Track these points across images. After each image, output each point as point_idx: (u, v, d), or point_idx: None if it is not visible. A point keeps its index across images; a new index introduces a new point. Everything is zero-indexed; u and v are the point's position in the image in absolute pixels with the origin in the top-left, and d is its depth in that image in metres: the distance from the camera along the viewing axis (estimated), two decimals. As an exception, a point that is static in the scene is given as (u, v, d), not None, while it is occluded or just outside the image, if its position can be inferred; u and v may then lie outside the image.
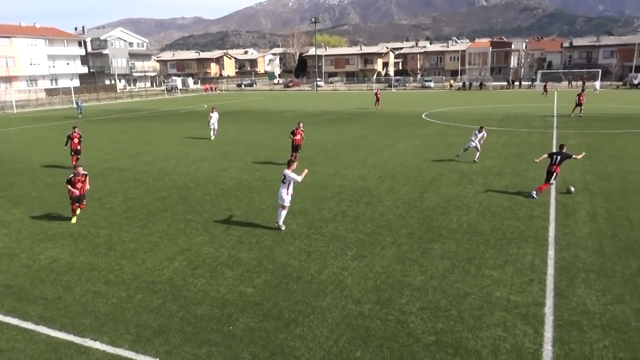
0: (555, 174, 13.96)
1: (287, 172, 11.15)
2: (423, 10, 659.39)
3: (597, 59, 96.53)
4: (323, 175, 17.45)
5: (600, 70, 76.74)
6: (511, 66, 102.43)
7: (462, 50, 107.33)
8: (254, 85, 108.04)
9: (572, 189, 14.35)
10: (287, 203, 11.37)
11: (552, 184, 14.23)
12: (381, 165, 18.92)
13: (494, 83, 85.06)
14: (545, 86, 61.03)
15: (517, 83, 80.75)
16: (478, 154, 19.02)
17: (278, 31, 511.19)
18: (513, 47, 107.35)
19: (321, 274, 9.18)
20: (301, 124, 19.63)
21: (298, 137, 19.13)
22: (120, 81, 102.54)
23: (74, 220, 12.59)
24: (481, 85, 79.62)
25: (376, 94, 47.16)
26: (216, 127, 27.62)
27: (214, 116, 27.46)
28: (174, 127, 34.27)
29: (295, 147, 19.14)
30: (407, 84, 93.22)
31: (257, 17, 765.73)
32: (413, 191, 14.93)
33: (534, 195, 13.80)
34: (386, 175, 17.16)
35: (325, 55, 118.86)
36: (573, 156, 13.99)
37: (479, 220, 12.06)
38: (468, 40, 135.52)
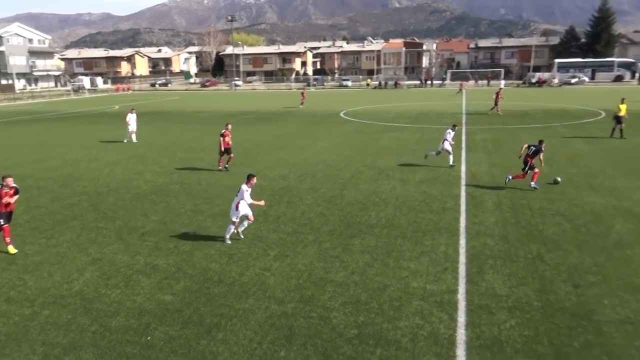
0: (529, 163, 14.63)
1: (243, 187, 10.48)
2: (339, 10, 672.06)
3: (500, 59, 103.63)
4: (243, 176, 17.24)
5: (502, 70, 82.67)
6: (423, 66, 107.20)
7: (377, 50, 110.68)
8: (169, 84, 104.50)
9: (559, 179, 15.21)
10: (235, 218, 10.53)
11: (536, 170, 14.68)
12: (301, 164, 19.07)
13: (408, 82, 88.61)
14: (460, 85, 64.53)
15: (429, 82, 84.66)
16: (451, 157, 17.89)
17: (193, 29, 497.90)
18: (425, 47, 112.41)
19: (243, 276, 9.09)
20: (229, 126, 19.13)
21: (227, 139, 18.64)
22: (19, 81, 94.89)
23: (12, 250, 10.50)
24: (396, 84, 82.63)
25: (302, 93, 48.46)
26: (135, 130, 26.38)
27: (133, 117, 26.23)
28: (82, 130, 32.30)
29: (226, 150, 18.60)
30: (325, 83, 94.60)
31: (171, 15, 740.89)
32: (333, 189, 15.19)
33: (508, 180, 14.78)
34: (307, 174, 17.32)
35: (243, 54, 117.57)
36: (542, 154, 14.79)
37: (396, 214, 12.52)
38: (383, 41, 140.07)
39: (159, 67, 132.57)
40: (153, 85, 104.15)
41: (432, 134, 26.22)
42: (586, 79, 79.19)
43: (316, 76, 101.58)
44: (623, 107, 23.56)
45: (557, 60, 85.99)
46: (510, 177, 14.92)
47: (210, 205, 13.72)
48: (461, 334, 7.09)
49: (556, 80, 76.17)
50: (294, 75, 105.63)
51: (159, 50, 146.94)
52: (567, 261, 9.42)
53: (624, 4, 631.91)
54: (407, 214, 12.53)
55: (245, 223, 10.86)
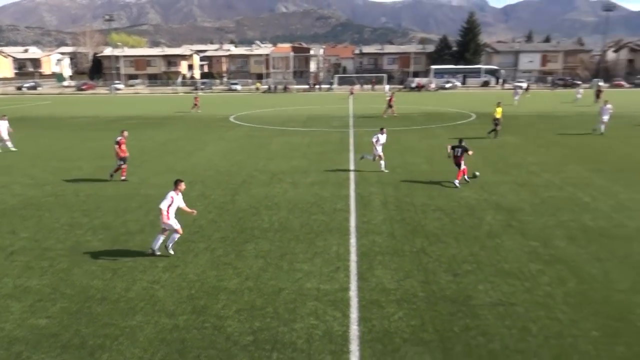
0: (461, 164, 15.67)
1: (172, 194, 9.91)
2: (226, 13, 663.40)
3: (383, 65, 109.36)
4: (127, 185, 16.33)
5: (385, 75, 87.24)
6: (311, 70, 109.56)
7: (266, 54, 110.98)
8: (39, 88, 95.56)
9: (477, 173, 16.49)
10: (172, 226, 9.93)
11: (463, 167, 15.75)
12: (190, 171, 18.49)
13: (297, 86, 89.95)
14: (351, 89, 66.80)
15: (317, 86, 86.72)
16: (383, 162, 17.77)
17: (66, 28, 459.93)
18: (312, 52, 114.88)
19: (129, 291, 8.58)
20: (125, 133, 17.79)
21: (124, 146, 17.34)
22: None
23: None
24: (286, 88, 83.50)
25: (195, 98, 46.97)
26: (6, 138, 23.68)
27: (3, 125, 23.56)
28: None
29: (123, 159, 17.27)
30: (213, 87, 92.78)
31: (39, 12, 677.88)
32: (225, 194, 14.93)
33: (457, 185, 15.47)
34: (196, 181, 16.83)
35: (124, 56, 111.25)
36: (469, 151, 15.83)
37: (289, 217, 12.64)
38: (271, 45, 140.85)
39: (27, 69, 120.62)
40: (19, 88, 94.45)
41: (322, 137, 26.87)
42: (458, 84, 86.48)
43: (204, 80, 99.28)
44: (499, 110, 26.28)
45: (433, 67, 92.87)
46: (457, 182, 15.72)
47: (89, 217, 12.77)
48: (354, 330, 7.34)
49: (433, 85, 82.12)
50: (180, 79, 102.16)
51: (26, 50, 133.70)
52: (447, 252, 10.19)
53: (487, 16, 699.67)
54: (300, 216, 12.71)
55: (175, 236, 10.16)
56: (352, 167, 18.83)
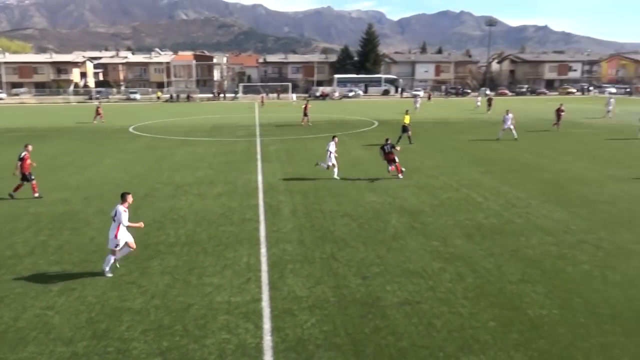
0: (393, 159, 18.02)
1: (120, 208, 9.35)
2: (121, 19, 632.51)
3: (287, 74, 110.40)
4: (12, 203, 14.92)
5: (290, 84, 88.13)
6: (215, 79, 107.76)
7: (166, 62, 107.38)
8: None
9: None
10: (114, 246, 9.40)
11: (397, 162, 17.89)
12: (86, 186, 17.33)
13: (200, 95, 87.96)
14: (262, 97, 66.50)
15: (222, 95, 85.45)
16: (336, 169, 18.01)
17: None
18: (215, 61, 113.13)
19: (19, 320, 7.82)
20: (30, 147, 16.05)
21: (28, 162, 15.67)
22: None
23: None
24: (189, 97, 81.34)
25: (97, 108, 43.75)
26: None
27: None
28: None
29: (26, 176, 15.53)
30: (110, 96, 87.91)
31: None
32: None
33: (400, 176, 17.75)
34: (93, 196, 15.80)
35: (5, 63, 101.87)
36: (396, 147, 18.21)
37: (196, 230, 12.28)
38: (172, 53, 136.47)
39: None
40: None
41: (228, 147, 26.48)
42: (361, 92, 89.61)
43: (99, 89, 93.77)
44: (407, 117, 28.07)
45: (336, 76, 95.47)
46: (391, 168, 17.99)
47: (-32, 241, 11.47)
48: (267, 341, 7.28)
49: (337, 94, 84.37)
50: (72, 88, 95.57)
51: None
52: (356, 256, 10.46)
53: (385, 28, 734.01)
54: (208, 228, 12.40)
55: (126, 250, 9.69)
56: (259, 176, 18.75)
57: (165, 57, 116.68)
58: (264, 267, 9.92)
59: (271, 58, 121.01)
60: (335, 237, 11.68)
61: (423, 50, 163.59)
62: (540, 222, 12.72)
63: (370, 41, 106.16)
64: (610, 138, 29.35)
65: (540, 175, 18.55)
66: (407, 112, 28.47)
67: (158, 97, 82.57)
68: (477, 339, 7.29)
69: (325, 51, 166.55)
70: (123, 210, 9.41)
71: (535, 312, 8.01)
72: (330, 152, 18.14)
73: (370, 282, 9.22)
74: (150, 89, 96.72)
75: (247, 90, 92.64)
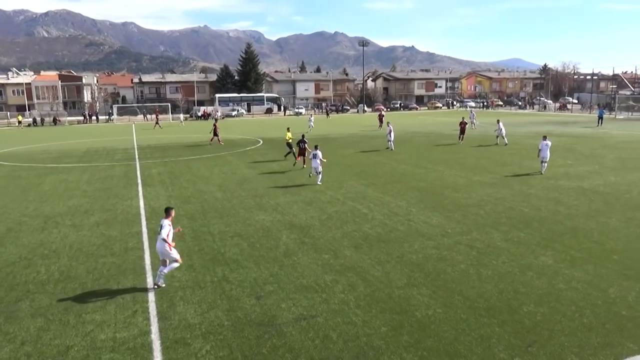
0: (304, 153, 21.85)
1: (165, 222, 9.74)
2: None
3: (166, 93, 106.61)
4: None
5: (169, 104, 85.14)
6: (86, 100, 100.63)
7: (27, 83, 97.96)
8: None
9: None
10: (173, 257, 9.79)
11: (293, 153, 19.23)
12: None
13: (69, 118, 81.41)
14: (157, 116, 63.02)
15: (94, 117, 79.97)
16: (320, 176, 20.59)
17: None
18: (84, 81, 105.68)
19: None
20: None
21: None
22: None
23: None
24: (55, 121, 74.92)
25: None
26: None
27: None
28: None
29: None
30: (-41, 122, 77.88)
31: None
32: (-16, 248, 12.56)
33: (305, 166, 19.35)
34: (-58, 236, 13.80)
35: None
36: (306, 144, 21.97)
37: (72, 264, 11.26)
38: (32, 73, 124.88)
39: None
40: None
41: (104, 172, 24.79)
42: (244, 111, 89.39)
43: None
44: (289, 134, 28.68)
45: (217, 95, 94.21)
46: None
47: None
48: (160, 375, 6.86)
49: (219, 113, 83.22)
50: None
51: None
52: (249, 277, 10.33)
53: (264, 47, 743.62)
54: (85, 262, 11.44)
55: (175, 265, 9.96)
56: (141, 201, 17.79)
57: (25, 77, 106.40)
58: (152, 297, 9.39)
59: (147, 78, 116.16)
60: (226, 259, 11.43)
61: (302, 69, 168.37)
62: (421, 228, 13.61)
63: (250, 60, 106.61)
64: (474, 147, 32.45)
65: (417, 184, 19.91)
66: (288, 130, 28.99)
67: (19, 122, 74.86)
68: (371, 345, 7.56)
69: (204, 70, 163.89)
70: (168, 224, 9.72)
71: (422, 313, 8.52)
72: (315, 159, 20.51)
73: (265, 301, 9.15)
74: (8, 113, 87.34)
75: (123, 111, 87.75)
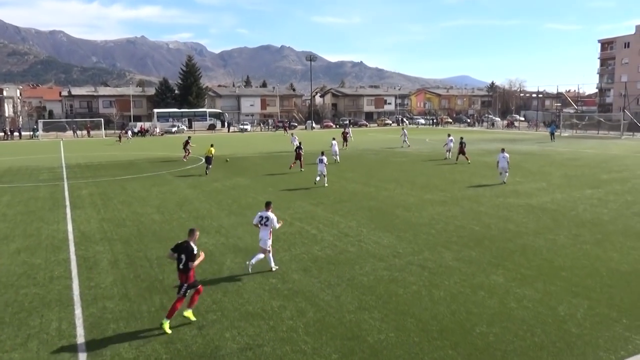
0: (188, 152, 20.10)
1: (270, 214, 11.78)
2: None
3: (98, 108, 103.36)
4: None
5: (102, 120, 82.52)
6: (7, 115, 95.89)
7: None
8: None
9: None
10: (268, 247, 11.82)
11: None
12: None
13: (-13, 134, 77.21)
14: (120, 134, 61.30)
15: (16, 133, 76.25)
16: (325, 178, 25.06)
17: None
18: (5, 93, 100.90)
19: None
20: None
21: None
22: None
23: None
24: (-29, 137, 70.79)
25: None
26: None
27: None
28: None
29: None
30: None
31: None
32: None
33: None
34: None
35: None
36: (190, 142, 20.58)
37: (-12, 297, 10.57)
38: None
39: None
40: None
41: (27, 193, 23.58)
42: (185, 127, 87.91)
43: None
44: (211, 149, 30.55)
45: (156, 110, 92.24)
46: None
47: None
48: (89, 418, 6.50)
49: (158, 130, 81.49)
50: None
51: None
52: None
53: (206, 60, 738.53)
54: (4, 293, 10.77)
55: (270, 257, 11.99)
56: (69, 225, 17.03)
57: None
58: (80, 331, 8.94)
59: (78, 91, 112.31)
60: (165, 287, 11.09)
61: (247, 83, 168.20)
62: (372, 249, 13.76)
63: (191, 73, 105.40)
64: (425, 163, 33.34)
65: (368, 204, 20.17)
66: (212, 146, 31.28)
67: None
68: (322, 374, 7.49)
69: (141, 83, 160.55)
70: (274, 217, 11.77)
71: (374, 338, 8.56)
72: (323, 164, 24.89)
73: (208, 330, 8.92)
74: None
75: (50, 127, 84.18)
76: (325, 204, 20.32)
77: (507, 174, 24.83)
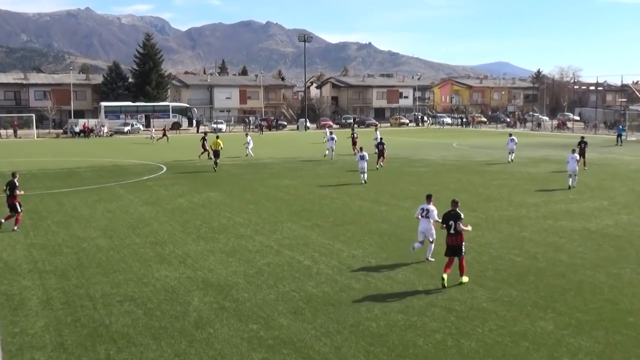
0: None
1: (431, 207, 15.63)
2: None
3: (29, 100, 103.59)
4: None
5: (34, 115, 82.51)
6: None
7: None
8: None
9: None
10: (434, 236, 15.54)
11: None
12: None
13: None
14: (14, 128, 61.36)
15: None
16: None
17: None
18: None
19: None
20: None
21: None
22: None
23: None
24: None
25: None
26: None
27: None
28: None
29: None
30: None
31: None
32: None
33: None
34: None
35: None
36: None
37: None
38: None
39: None
40: None
41: None
42: (141, 126, 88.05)
43: None
44: (219, 142, 33.60)
45: (103, 104, 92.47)
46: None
47: None
48: None
49: (106, 129, 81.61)
50: None
51: None
52: (145, 357, 9.99)
53: (169, 40, 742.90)
54: None
55: (432, 247, 15.70)
56: (-11, 252, 16.95)
57: None
58: (1, 391, 8.87)
59: (2, 78, 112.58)
60: (113, 333, 11.04)
61: (223, 70, 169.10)
62: (383, 286, 13.74)
63: (149, 57, 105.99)
64: (452, 174, 33.44)
65: (378, 227, 20.19)
66: (218, 138, 35.44)
67: None
68: None
69: (85, 69, 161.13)
70: (434, 209, 15.61)
71: (386, 402, 8.52)
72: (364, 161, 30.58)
73: (168, 392, 8.86)
74: None
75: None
76: (323, 226, 20.32)
77: (577, 177, 28.40)
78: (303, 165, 40.98)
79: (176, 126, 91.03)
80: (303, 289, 13.54)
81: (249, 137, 48.65)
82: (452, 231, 13.80)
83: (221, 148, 37.85)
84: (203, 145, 44.53)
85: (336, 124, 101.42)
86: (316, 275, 14.60)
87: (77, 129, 79.31)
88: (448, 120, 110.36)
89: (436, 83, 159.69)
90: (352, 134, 50.59)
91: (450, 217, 14.08)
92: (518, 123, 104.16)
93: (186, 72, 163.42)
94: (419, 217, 15.71)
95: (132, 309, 12.34)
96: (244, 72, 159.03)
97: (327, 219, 21.55)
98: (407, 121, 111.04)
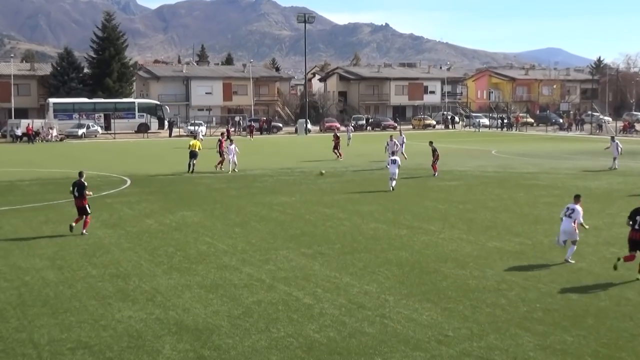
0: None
1: (577, 207, 18.76)
2: None
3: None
4: None
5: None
6: None
7: None
8: None
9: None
10: (578, 237, 18.88)
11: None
12: None
13: None
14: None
15: None
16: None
17: None
18: None
19: None
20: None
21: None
22: None
23: None
24: None
25: None
26: None
27: None
28: None
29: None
30: None
31: None
32: None
33: None
34: None
35: None
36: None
37: None
38: None
39: None
40: None
41: None
42: (99, 128, 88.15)
43: None
44: (197, 143, 32.87)
45: (52, 100, 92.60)
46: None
47: None
48: None
49: (55, 132, 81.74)
50: None
51: None
52: (102, 421, 9.97)
53: (135, 21, 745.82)
54: None
55: (574, 248, 18.71)
56: None
57: None
58: None
59: None
60: (63, 390, 11.02)
61: (202, 58, 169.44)
62: (403, 330, 13.69)
63: (110, 41, 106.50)
64: (490, 190, 33.40)
65: (397, 255, 20.16)
66: (195, 138, 34.16)
67: None
68: None
69: (30, 57, 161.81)
70: (580, 210, 18.64)
71: None
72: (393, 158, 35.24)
73: None
74: None
75: None
76: (327, 254, 20.31)
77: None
78: (302, 178, 40.94)
79: (143, 128, 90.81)
80: (302, 334, 13.51)
81: (233, 145, 43.55)
82: (637, 227, 17.26)
83: (199, 149, 41.20)
84: (220, 152, 45.47)
85: (344, 126, 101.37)
86: (319, 317, 14.57)
87: (18, 132, 79.47)
88: (485, 121, 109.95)
89: (470, 75, 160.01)
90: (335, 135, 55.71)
91: (637, 213, 17.48)
92: (573, 125, 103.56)
93: (156, 61, 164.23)
94: (563, 217, 18.93)
95: (86, 358, 12.33)
96: (228, 61, 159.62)
97: (332, 246, 21.53)
98: (434, 122, 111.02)
